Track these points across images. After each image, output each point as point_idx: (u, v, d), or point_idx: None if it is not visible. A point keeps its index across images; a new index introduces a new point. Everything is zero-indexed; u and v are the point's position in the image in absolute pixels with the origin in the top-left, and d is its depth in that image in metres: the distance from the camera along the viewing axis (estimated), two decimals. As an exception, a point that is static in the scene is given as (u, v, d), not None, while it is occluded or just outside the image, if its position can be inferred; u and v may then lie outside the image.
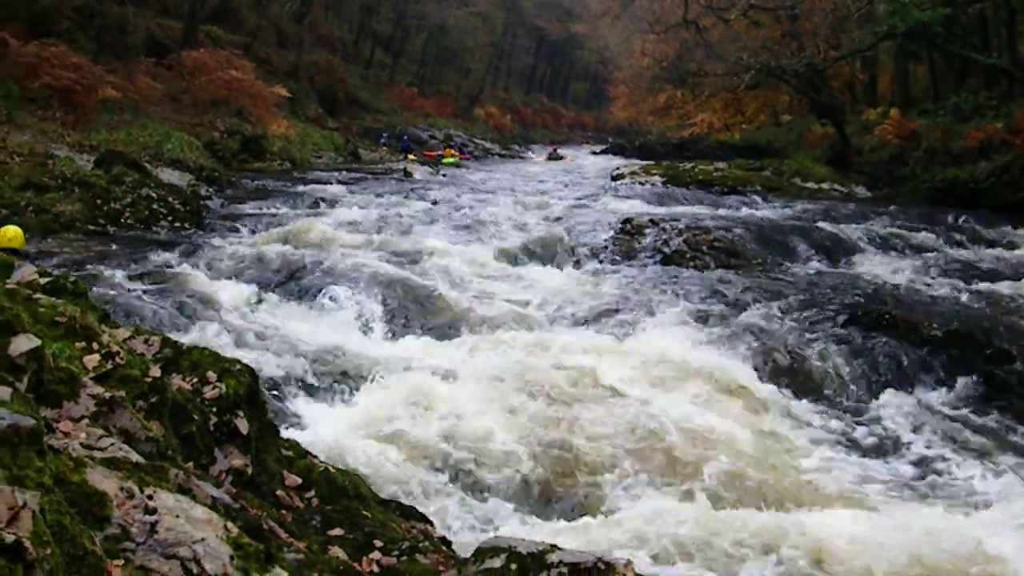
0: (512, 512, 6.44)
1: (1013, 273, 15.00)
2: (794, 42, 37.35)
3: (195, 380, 4.58)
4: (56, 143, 20.43)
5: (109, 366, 4.16)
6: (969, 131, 26.95)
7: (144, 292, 10.75)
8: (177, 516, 3.08)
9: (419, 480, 6.46)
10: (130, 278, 11.45)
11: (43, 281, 4.97)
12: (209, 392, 4.52)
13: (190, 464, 4.05)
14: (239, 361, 5.02)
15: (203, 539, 3.00)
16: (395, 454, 6.77)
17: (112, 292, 10.55)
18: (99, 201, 16.02)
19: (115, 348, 4.29)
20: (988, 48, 31.31)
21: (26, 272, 5.44)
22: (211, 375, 4.61)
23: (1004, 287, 13.84)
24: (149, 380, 4.19)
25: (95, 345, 4.26)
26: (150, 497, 3.12)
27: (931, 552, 5.64)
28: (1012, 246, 17.88)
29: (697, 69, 38.27)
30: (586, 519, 6.25)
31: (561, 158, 50.60)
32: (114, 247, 13.77)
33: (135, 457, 3.50)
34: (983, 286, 13.91)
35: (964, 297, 13.21)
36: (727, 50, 37.66)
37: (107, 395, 3.84)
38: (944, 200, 23.69)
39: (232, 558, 3.01)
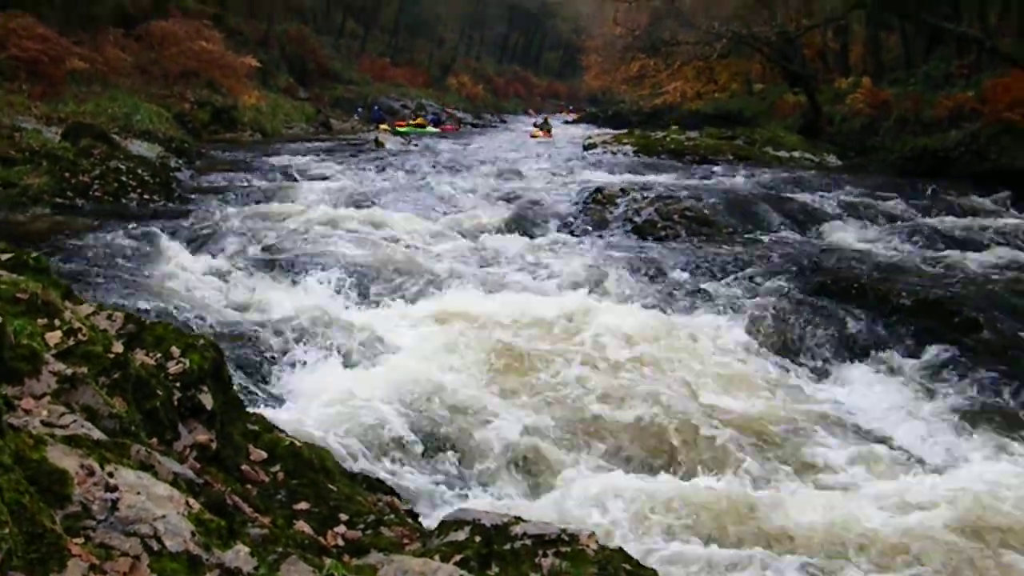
0: (481, 484, 6.47)
1: (981, 242, 15.10)
2: (766, 10, 37.37)
3: (159, 355, 4.56)
4: (23, 115, 20.26)
5: (71, 342, 4.14)
6: (940, 100, 27.08)
7: (111, 266, 10.70)
8: (138, 493, 3.07)
9: (386, 452, 6.47)
10: (97, 252, 11.38)
11: (4, 257, 4.93)
12: (173, 367, 4.50)
13: (154, 440, 4.04)
14: (203, 336, 5.01)
15: (164, 516, 3.00)
16: (365, 426, 6.77)
17: (78, 267, 10.50)
18: (67, 174, 15.88)
19: (77, 324, 4.26)
20: (959, 17, 31.38)
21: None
22: (175, 350, 4.59)
23: (972, 256, 13.93)
24: (112, 356, 4.17)
25: (57, 321, 4.23)
26: (111, 474, 3.11)
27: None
28: (980, 215, 17.99)
29: (670, 38, 38.17)
30: (556, 490, 6.27)
31: (545, 130, 45.70)
32: (82, 220, 13.67)
33: (97, 434, 3.49)
34: (952, 255, 14.00)
35: (933, 266, 13.28)
36: (699, 19, 37.65)
37: (69, 372, 3.82)
38: (914, 169, 23.78)
39: (193, 534, 3.01)
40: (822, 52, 43.70)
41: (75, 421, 3.53)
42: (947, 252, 14.18)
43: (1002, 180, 20.51)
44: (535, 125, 49.40)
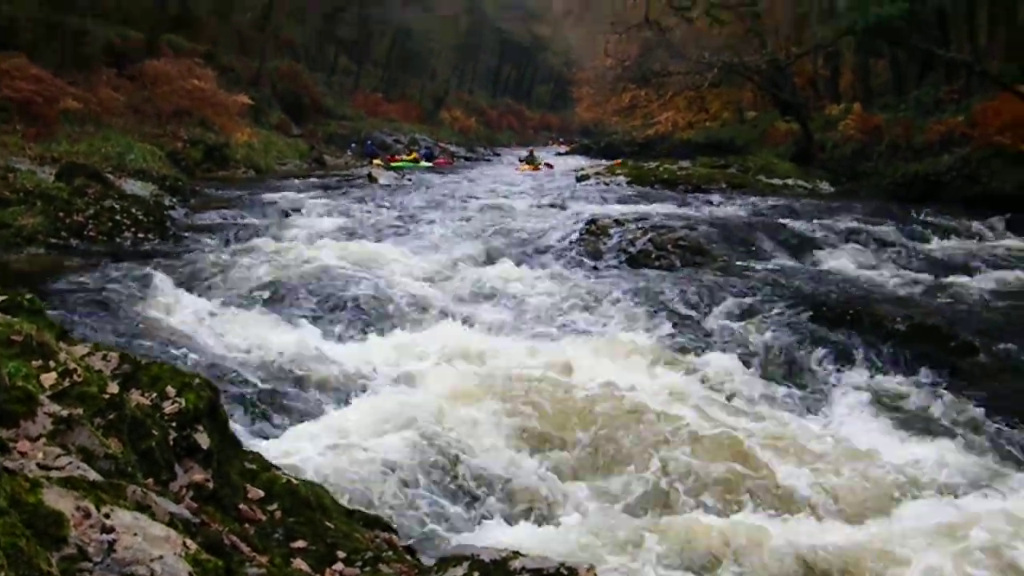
0: (481, 520, 6.43)
1: (974, 266, 15.19)
2: (756, 39, 37.59)
3: (154, 395, 4.55)
4: (17, 156, 20.25)
5: (67, 384, 4.13)
6: (931, 125, 27.27)
7: (106, 306, 10.68)
8: (135, 534, 3.06)
9: (384, 489, 6.43)
10: (92, 292, 11.35)
11: (-2, 300, 4.94)
12: (168, 407, 4.49)
13: (150, 480, 4.03)
14: (199, 375, 5.00)
15: (161, 557, 2.99)
16: (360, 464, 6.73)
17: (73, 307, 10.48)
18: (61, 214, 15.88)
19: (73, 365, 4.26)
20: (948, 42, 31.58)
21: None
22: (170, 390, 4.58)
23: (966, 280, 14.01)
24: (107, 397, 4.16)
25: (52, 363, 4.22)
26: (107, 516, 3.10)
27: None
28: (972, 238, 18.09)
29: (660, 68, 38.41)
30: (557, 523, 6.25)
31: (534, 163, 45.44)
32: (77, 260, 13.65)
33: (92, 475, 3.48)
34: (946, 279, 14.06)
35: (928, 290, 13.32)
36: (690, 49, 37.87)
37: (65, 413, 3.81)
38: (906, 194, 23.93)
39: (191, 575, 3.00)
40: (813, 79, 43.94)
41: (71, 463, 3.52)
42: (941, 277, 14.25)
43: (993, 204, 20.63)
44: (520, 160, 49.22)
